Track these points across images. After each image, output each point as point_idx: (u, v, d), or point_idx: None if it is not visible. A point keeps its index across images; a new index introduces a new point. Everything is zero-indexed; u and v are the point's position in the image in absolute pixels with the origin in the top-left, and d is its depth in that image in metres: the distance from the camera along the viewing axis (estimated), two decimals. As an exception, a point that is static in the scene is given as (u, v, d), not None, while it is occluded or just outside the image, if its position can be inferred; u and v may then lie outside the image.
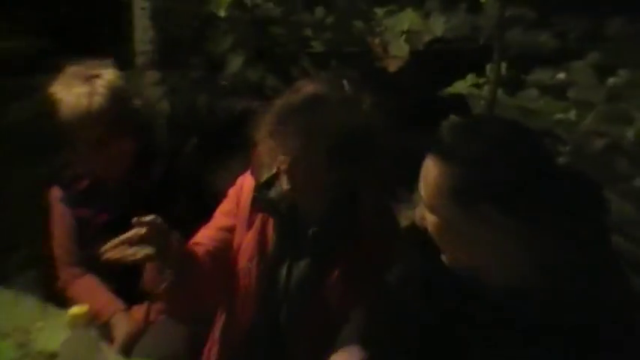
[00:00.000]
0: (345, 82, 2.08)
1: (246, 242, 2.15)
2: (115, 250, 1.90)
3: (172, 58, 2.56)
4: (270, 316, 2.11)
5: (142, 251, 1.88)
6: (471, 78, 2.78)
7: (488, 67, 2.73)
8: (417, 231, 1.64)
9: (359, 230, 1.97)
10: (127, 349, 2.30)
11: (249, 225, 2.15)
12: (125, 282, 2.36)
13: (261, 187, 2.10)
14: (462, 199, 1.45)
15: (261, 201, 2.10)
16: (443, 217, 1.50)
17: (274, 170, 2.05)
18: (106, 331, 2.31)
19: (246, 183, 2.19)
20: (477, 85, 2.75)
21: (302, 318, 2.05)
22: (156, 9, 2.98)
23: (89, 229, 2.46)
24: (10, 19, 3.49)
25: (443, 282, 1.65)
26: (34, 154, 3.38)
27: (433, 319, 1.67)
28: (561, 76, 2.60)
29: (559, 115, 2.51)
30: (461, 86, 2.74)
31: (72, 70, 2.32)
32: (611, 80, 2.49)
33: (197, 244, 2.15)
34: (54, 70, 2.51)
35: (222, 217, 2.22)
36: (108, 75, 2.32)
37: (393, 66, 2.95)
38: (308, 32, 3.00)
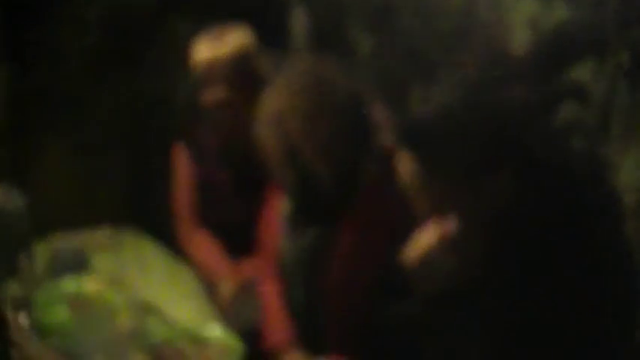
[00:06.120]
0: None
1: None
2: None
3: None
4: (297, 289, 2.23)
5: None
6: (591, 65, 2.74)
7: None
8: None
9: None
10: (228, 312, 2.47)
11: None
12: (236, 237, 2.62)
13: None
14: None
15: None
16: None
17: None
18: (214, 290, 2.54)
19: None
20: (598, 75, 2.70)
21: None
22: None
23: (214, 187, 2.64)
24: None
25: None
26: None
27: None
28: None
29: None
30: (581, 73, 2.69)
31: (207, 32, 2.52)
32: None
33: None
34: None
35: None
36: (239, 32, 2.49)
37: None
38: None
